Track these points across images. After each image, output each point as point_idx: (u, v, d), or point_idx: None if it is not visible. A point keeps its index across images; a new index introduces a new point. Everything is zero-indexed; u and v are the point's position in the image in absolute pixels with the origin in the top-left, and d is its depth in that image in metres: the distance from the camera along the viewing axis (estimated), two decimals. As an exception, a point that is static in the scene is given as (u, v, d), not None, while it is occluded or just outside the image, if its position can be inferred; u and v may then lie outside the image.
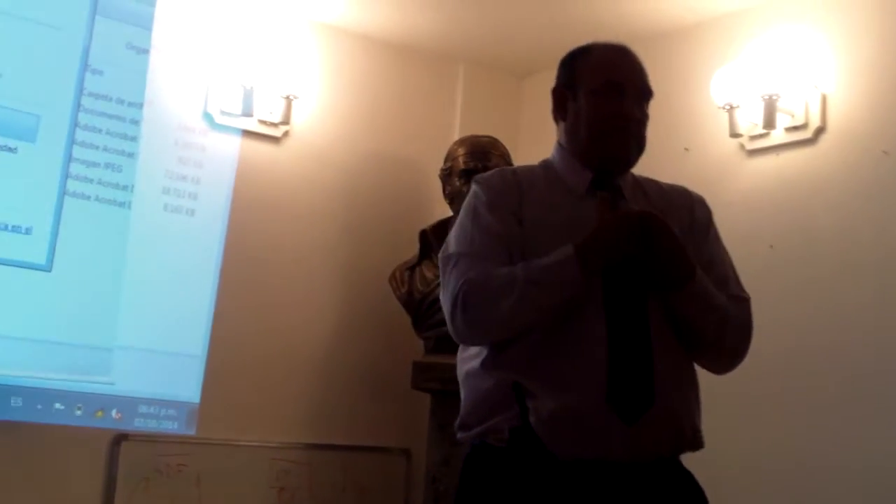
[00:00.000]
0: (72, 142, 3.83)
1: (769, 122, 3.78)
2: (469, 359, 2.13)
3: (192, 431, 3.98)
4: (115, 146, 3.94)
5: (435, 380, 3.94)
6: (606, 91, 2.13)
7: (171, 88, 4.13)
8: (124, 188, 3.94)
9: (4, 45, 3.73)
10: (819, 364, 3.58)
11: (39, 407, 3.70)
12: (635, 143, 2.14)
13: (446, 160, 4.23)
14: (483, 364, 2.07)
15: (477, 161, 4.10)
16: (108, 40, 3.96)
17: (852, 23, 3.73)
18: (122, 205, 3.92)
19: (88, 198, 3.86)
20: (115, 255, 3.88)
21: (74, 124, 3.85)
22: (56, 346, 3.72)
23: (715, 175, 3.88)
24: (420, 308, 4.08)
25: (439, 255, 2.15)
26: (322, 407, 4.32)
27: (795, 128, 3.78)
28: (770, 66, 3.79)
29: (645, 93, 2.17)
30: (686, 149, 3.95)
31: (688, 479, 2.08)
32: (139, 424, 3.88)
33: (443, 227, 4.19)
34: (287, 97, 4.32)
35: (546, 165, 2.21)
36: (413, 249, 4.23)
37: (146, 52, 4.05)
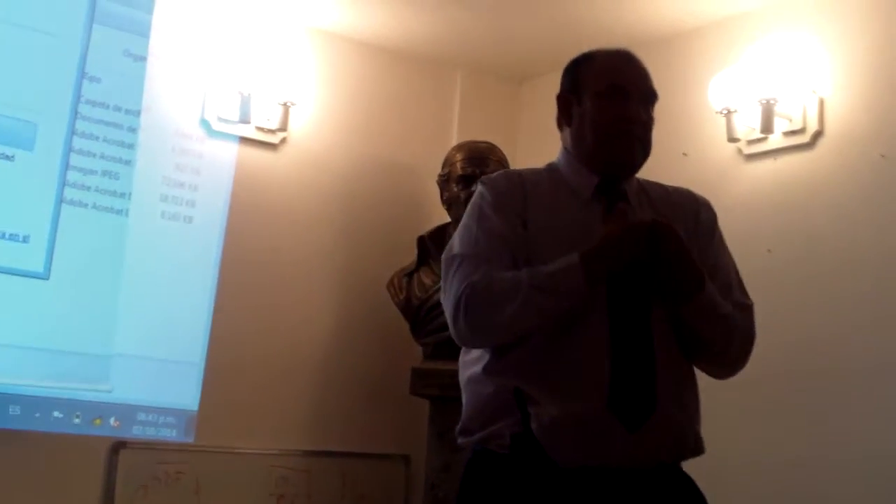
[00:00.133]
0: (69, 149, 3.83)
1: (767, 127, 3.78)
2: (470, 363, 2.12)
3: (190, 439, 3.98)
4: (113, 154, 3.94)
5: (434, 386, 3.94)
6: (611, 94, 2.12)
7: (169, 95, 4.13)
8: (122, 196, 3.93)
9: (2, 52, 3.73)
10: (818, 367, 3.58)
11: (38, 415, 3.69)
12: (640, 147, 2.14)
13: (444, 166, 4.23)
14: (485, 369, 2.06)
15: (475, 167, 4.09)
16: (105, 48, 3.96)
17: (849, 27, 3.73)
18: (119, 212, 3.92)
19: (86, 205, 3.86)
20: (113, 262, 3.87)
21: (72, 132, 3.85)
22: (54, 354, 3.72)
23: (713, 180, 3.87)
24: (418, 314, 4.07)
25: (443, 255, 2.14)
26: (320, 414, 4.32)
27: (793, 132, 3.79)
28: (767, 70, 3.79)
29: (650, 96, 2.16)
30: (684, 154, 3.95)
31: (689, 485, 2.07)
32: (138, 432, 3.88)
33: (441, 233, 4.20)
34: (284, 104, 4.32)
35: (552, 169, 2.21)
36: (411, 255, 4.23)
37: (143, 59, 4.05)
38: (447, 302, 2.08)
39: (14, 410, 3.66)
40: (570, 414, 1.95)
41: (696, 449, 2.08)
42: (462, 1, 4.19)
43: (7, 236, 3.68)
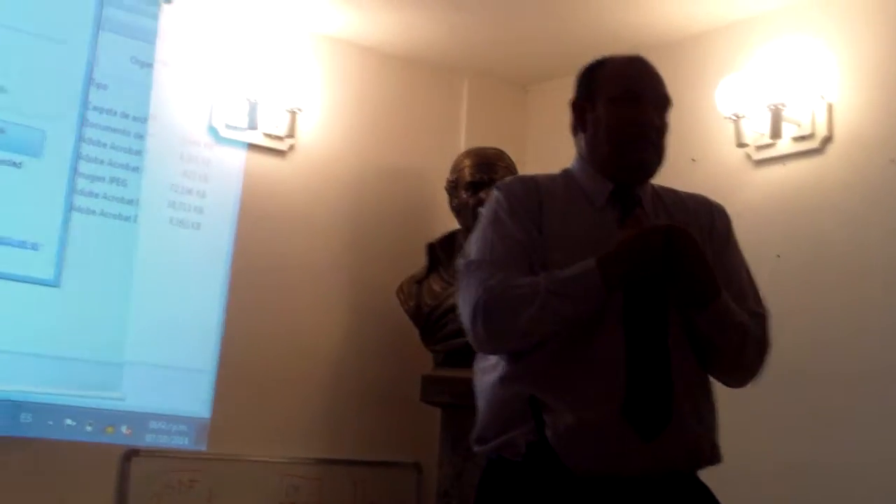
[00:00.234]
0: (77, 156, 3.84)
1: (776, 132, 3.79)
2: (486, 371, 2.12)
3: (202, 447, 3.98)
4: (121, 160, 3.95)
5: (445, 393, 3.93)
6: (625, 99, 2.13)
7: (176, 102, 4.13)
8: (130, 202, 3.94)
9: (9, 60, 3.73)
10: (828, 373, 3.58)
11: (50, 423, 3.70)
12: (655, 152, 2.14)
13: (452, 172, 4.23)
14: (500, 376, 2.06)
15: (483, 173, 4.10)
16: (113, 55, 3.97)
17: (858, 32, 3.74)
18: (128, 219, 3.92)
19: (95, 212, 3.86)
20: (123, 269, 3.88)
21: (80, 139, 3.86)
22: (65, 362, 3.72)
23: (722, 185, 3.88)
24: (428, 321, 4.07)
25: (458, 261, 2.15)
26: (332, 421, 4.31)
27: (802, 137, 3.79)
28: (776, 75, 3.80)
29: (664, 101, 2.16)
30: (693, 159, 3.96)
31: (705, 493, 2.07)
32: (150, 440, 3.88)
33: (450, 239, 4.20)
34: (292, 110, 4.32)
35: (567, 175, 2.21)
36: (419, 262, 4.22)
37: (150, 66, 4.05)
38: (464, 307, 2.07)
39: (26, 418, 3.66)
40: (585, 422, 1.95)
41: (713, 458, 2.07)
42: (469, 6, 4.19)
43: (17, 244, 3.68)
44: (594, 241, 2.01)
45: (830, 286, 3.64)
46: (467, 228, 4.10)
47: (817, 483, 3.51)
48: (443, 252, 4.17)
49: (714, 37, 4.17)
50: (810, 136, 3.77)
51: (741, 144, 3.91)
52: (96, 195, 3.86)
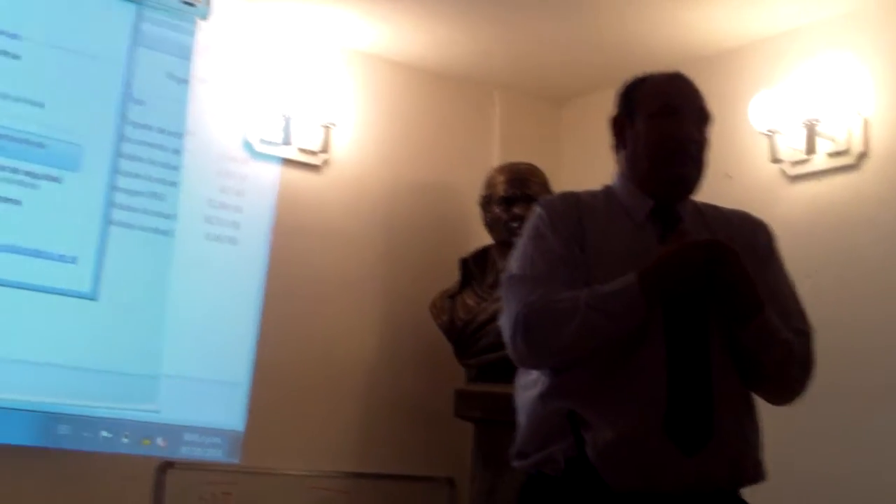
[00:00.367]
0: (115, 171, 3.87)
1: (810, 148, 3.78)
2: (527, 386, 2.12)
3: (236, 459, 3.98)
4: (158, 175, 3.97)
5: (477, 408, 3.93)
6: (664, 114, 2.13)
7: (212, 118, 4.16)
8: (167, 217, 3.96)
9: (47, 76, 3.77)
10: (864, 394, 3.55)
11: (86, 435, 3.72)
12: (694, 166, 2.14)
13: (485, 187, 4.24)
14: (540, 392, 2.07)
15: (516, 188, 4.11)
16: (150, 71, 4.00)
17: (893, 48, 3.72)
18: (165, 233, 3.95)
19: (132, 226, 3.89)
20: (159, 283, 3.90)
21: (117, 154, 3.89)
22: (102, 375, 3.74)
23: (756, 201, 3.83)
24: (462, 336, 4.07)
25: (502, 276, 2.16)
26: (365, 435, 4.32)
27: (837, 153, 3.78)
28: (810, 91, 3.79)
29: (703, 116, 2.17)
30: (728, 175, 3.95)
31: None
32: (185, 452, 3.89)
33: (483, 254, 4.21)
34: (326, 125, 4.35)
35: (608, 192, 2.22)
36: (452, 276, 4.23)
37: (186, 82, 4.08)
38: (505, 322, 2.09)
39: (63, 430, 3.68)
40: (625, 437, 1.95)
41: (756, 475, 2.06)
42: (503, 21, 4.21)
43: (55, 257, 3.71)
44: (635, 258, 2.01)
45: (866, 302, 3.62)
46: (500, 243, 4.12)
47: (861, 498, 3.47)
48: (476, 267, 4.18)
49: (748, 52, 4.16)
50: (846, 152, 3.75)
51: (776, 160, 3.90)
52: (134, 209, 3.89)
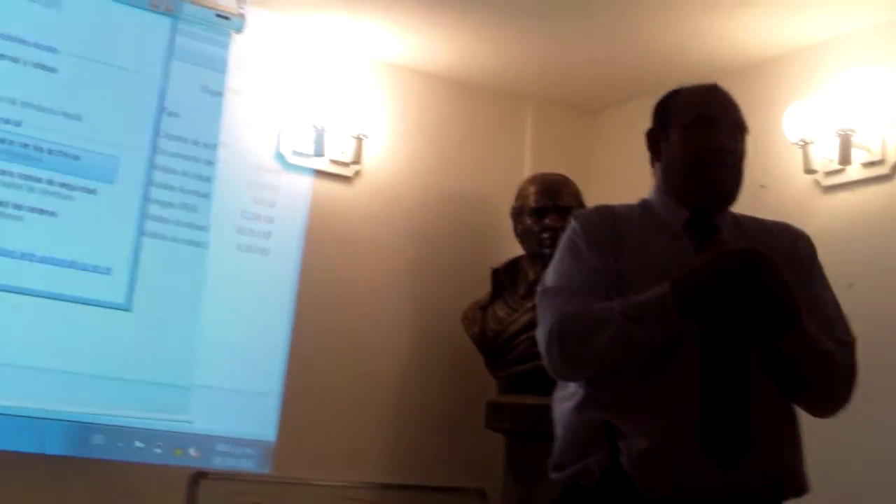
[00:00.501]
0: (149, 183, 3.92)
1: (845, 158, 3.74)
2: (564, 398, 2.12)
3: (268, 470, 4.01)
4: (191, 187, 4.02)
5: (508, 420, 3.93)
6: (698, 125, 2.12)
7: (245, 130, 4.20)
8: (200, 228, 4.00)
9: (84, 89, 3.83)
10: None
11: (120, 445, 3.75)
12: (730, 176, 2.12)
13: (517, 198, 4.24)
14: (576, 403, 2.07)
15: (548, 199, 4.10)
16: (184, 83, 4.05)
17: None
18: (198, 244, 3.99)
19: (165, 238, 3.93)
20: (192, 294, 3.94)
21: (151, 165, 3.94)
22: (136, 385, 3.78)
23: (790, 212, 3.79)
24: (493, 347, 4.06)
25: (537, 289, 2.16)
26: (396, 446, 4.33)
27: (872, 163, 3.73)
28: (844, 101, 3.75)
29: (738, 127, 2.15)
30: (762, 186, 3.92)
31: None
32: (217, 462, 3.92)
33: (514, 265, 4.20)
34: (358, 137, 4.37)
35: (644, 205, 2.21)
36: (484, 287, 4.23)
37: (220, 94, 4.13)
38: (540, 334, 2.09)
39: (97, 440, 3.72)
40: (659, 448, 1.93)
41: (797, 489, 2.03)
42: (534, 32, 4.20)
43: (90, 268, 3.76)
44: (671, 269, 2.00)
45: (902, 313, 3.58)
46: (531, 254, 4.11)
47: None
48: (507, 278, 4.17)
49: (782, 62, 4.13)
50: (880, 162, 3.71)
51: (810, 171, 3.87)
52: (167, 221, 3.94)
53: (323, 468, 4.11)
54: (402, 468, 4.30)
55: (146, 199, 3.90)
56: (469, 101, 4.77)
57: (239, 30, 4.17)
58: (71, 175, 3.76)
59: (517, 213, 4.21)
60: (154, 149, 3.94)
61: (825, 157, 3.84)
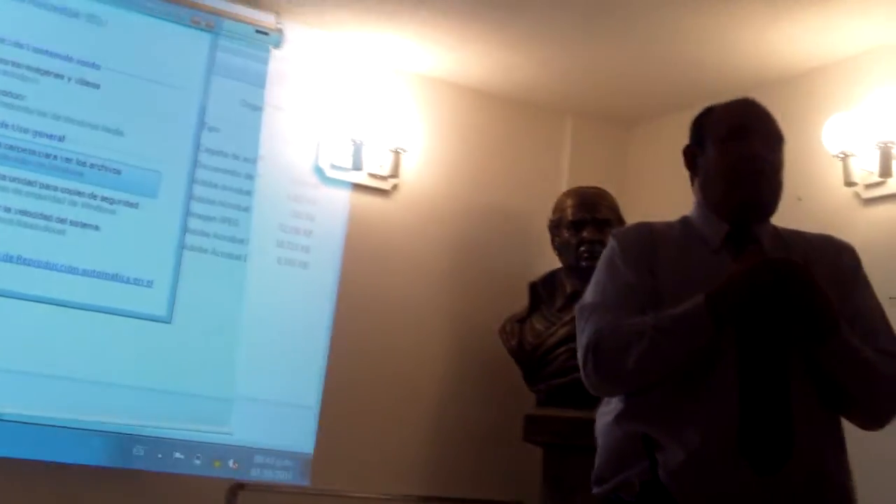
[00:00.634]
0: (190, 197, 3.96)
1: (885, 170, 3.71)
2: (606, 413, 2.13)
3: (306, 482, 4.02)
4: (231, 201, 4.06)
5: (546, 433, 3.92)
6: (733, 137, 2.13)
7: (284, 144, 4.23)
8: (240, 241, 4.04)
9: (126, 105, 3.89)
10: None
11: (160, 456, 3.79)
12: (768, 185, 2.11)
13: (555, 211, 4.24)
14: (615, 416, 2.07)
15: (585, 212, 4.10)
16: (224, 98, 4.10)
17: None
18: (238, 258, 4.02)
19: (206, 251, 3.97)
20: (232, 307, 3.97)
21: (192, 180, 3.98)
22: (176, 396, 3.82)
23: (829, 224, 3.75)
24: (531, 360, 4.06)
25: (576, 306, 2.17)
26: (433, 459, 4.33)
27: (913, 175, 3.71)
28: (884, 113, 3.72)
29: (774, 136, 2.15)
30: (799, 198, 3.89)
31: None
32: (255, 474, 3.94)
33: (552, 278, 4.20)
34: (396, 150, 4.39)
35: (684, 222, 2.22)
36: (521, 301, 4.23)
37: (260, 109, 4.17)
38: (579, 351, 2.10)
39: (138, 451, 3.76)
40: (696, 459, 1.93)
41: (842, 501, 2.00)
42: (571, 46, 4.21)
43: (132, 281, 3.80)
44: (709, 284, 1.99)
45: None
46: (569, 267, 4.11)
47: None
48: (545, 291, 4.17)
49: (821, 75, 4.10)
50: (922, 175, 3.68)
51: (849, 183, 3.83)
52: (208, 234, 3.98)
53: (360, 480, 4.14)
54: (439, 481, 4.30)
55: (187, 213, 3.94)
56: (506, 114, 4.78)
57: (278, 45, 4.21)
58: (113, 189, 3.81)
59: (555, 226, 4.21)
60: (195, 163, 3.99)
61: (865, 169, 3.81)
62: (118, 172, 3.83)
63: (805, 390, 1.98)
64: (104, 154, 3.81)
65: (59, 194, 3.73)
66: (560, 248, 4.17)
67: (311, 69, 4.32)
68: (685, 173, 2.27)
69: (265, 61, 4.19)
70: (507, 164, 4.74)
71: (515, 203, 4.71)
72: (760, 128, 2.14)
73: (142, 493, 3.78)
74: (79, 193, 3.75)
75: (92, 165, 3.79)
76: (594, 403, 2.21)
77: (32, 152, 3.70)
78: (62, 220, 3.72)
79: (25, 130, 3.70)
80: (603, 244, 3.74)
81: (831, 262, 2.13)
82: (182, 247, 3.92)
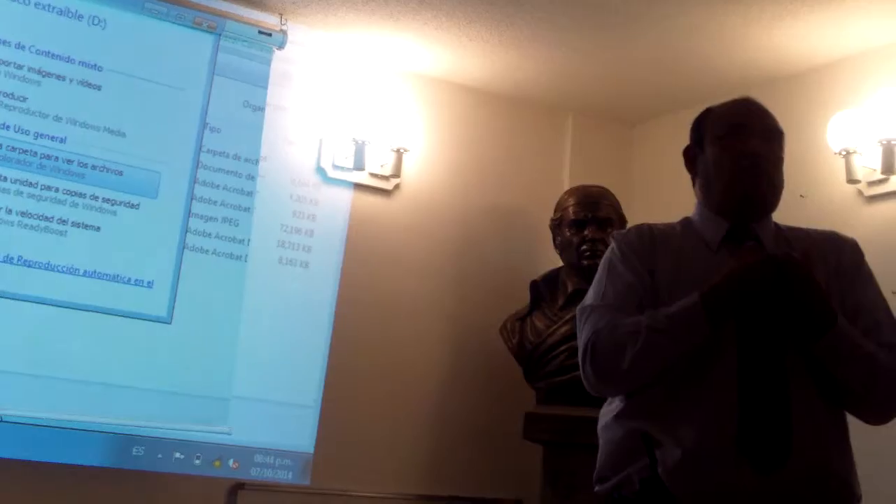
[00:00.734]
0: (191, 197, 3.96)
1: (888, 168, 3.70)
2: (608, 412, 2.14)
3: (306, 481, 4.02)
4: (233, 201, 4.06)
5: (546, 430, 3.91)
6: (730, 134, 2.13)
7: (286, 144, 4.24)
8: (241, 242, 4.04)
9: (127, 105, 3.89)
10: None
11: (160, 456, 3.79)
12: (767, 181, 2.11)
13: (556, 210, 4.23)
14: (616, 415, 2.08)
15: (587, 211, 4.09)
16: (226, 99, 4.10)
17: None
18: (239, 258, 4.02)
19: (207, 252, 3.97)
20: (233, 307, 3.97)
21: (193, 180, 3.98)
22: (176, 397, 3.82)
23: (832, 221, 3.74)
24: (531, 358, 4.05)
25: (577, 308, 2.18)
26: (434, 457, 4.33)
27: (916, 172, 3.69)
28: (887, 110, 3.71)
29: (772, 133, 2.15)
30: (802, 195, 3.88)
31: None
32: (255, 474, 3.94)
33: (553, 277, 4.19)
34: (397, 150, 4.39)
35: (685, 222, 2.23)
36: (523, 299, 4.22)
37: (261, 109, 4.17)
38: (578, 352, 2.11)
39: (138, 451, 3.76)
40: (693, 456, 1.93)
41: (845, 498, 1.99)
42: (573, 45, 4.20)
43: (133, 282, 3.80)
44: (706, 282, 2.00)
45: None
46: (571, 266, 4.10)
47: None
48: (546, 289, 4.16)
49: (823, 73, 4.09)
50: (924, 172, 3.67)
51: (852, 180, 3.82)
52: (209, 235, 3.98)
53: (361, 479, 4.14)
54: (439, 479, 4.30)
55: (188, 214, 3.94)
56: (508, 113, 4.78)
57: (281, 46, 4.21)
58: (114, 190, 3.82)
59: (556, 225, 4.20)
60: (196, 164, 3.99)
61: (868, 166, 3.80)
62: (120, 173, 3.83)
63: (805, 387, 1.98)
64: (106, 155, 3.81)
65: (61, 195, 3.73)
66: (561, 246, 4.17)
67: (312, 69, 4.32)
68: (687, 172, 2.27)
69: (267, 62, 4.19)
70: (508, 163, 4.73)
71: (517, 202, 4.70)
72: (759, 125, 2.14)
73: (142, 493, 3.78)
74: (80, 195, 3.76)
75: (93, 167, 3.79)
76: (594, 401, 2.22)
77: (34, 154, 3.70)
78: (63, 222, 3.72)
79: (27, 132, 3.71)
80: (605, 243, 3.77)
81: (833, 257, 2.13)
82: (183, 247, 3.92)
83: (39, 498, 3.62)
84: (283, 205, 4.19)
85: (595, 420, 2.18)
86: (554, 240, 4.23)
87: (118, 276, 3.79)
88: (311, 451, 4.05)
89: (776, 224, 2.19)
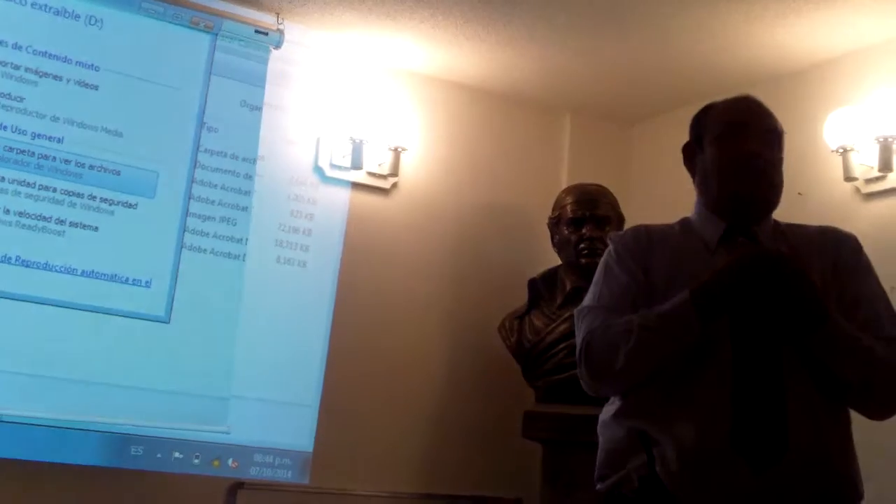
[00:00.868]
0: (188, 197, 3.96)
1: (885, 165, 3.70)
2: (607, 411, 2.14)
3: (305, 480, 4.02)
4: (230, 200, 4.05)
5: (545, 429, 3.91)
6: (730, 134, 2.13)
7: (283, 143, 4.23)
8: (239, 241, 4.04)
9: (125, 105, 3.89)
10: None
11: (159, 455, 3.79)
12: (766, 183, 2.11)
13: (554, 209, 4.23)
14: (614, 414, 2.09)
15: (585, 209, 4.09)
16: (223, 98, 4.10)
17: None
18: (236, 257, 4.02)
19: (204, 251, 3.97)
20: (231, 306, 3.96)
21: (191, 180, 3.98)
22: (175, 396, 3.81)
23: (830, 219, 3.72)
24: (530, 356, 4.05)
25: (575, 310, 2.19)
26: (433, 456, 4.32)
27: (913, 170, 3.69)
28: (884, 108, 3.71)
29: (772, 133, 2.14)
30: (799, 193, 3.88)
31: None
32: (255, 473, 3.94)
33: (552, 275, 4.19)
34: (395, 149, 4.39)
35: (684, 222, 2.22)
36: (521, 298, 4.22)
37: (259, 108, 4.17)
38: (576, 352, 2.12)
39: (136, 451, 3.76)
40: (690, 454, 1.94)
41: (845, 495, 1.99)
42: (570, 43, 4.20)
43: (131, 281, 3.80)
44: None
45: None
46: (569, 264, 4.10)
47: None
48: (544, 288, 4.16)
49: (821, 71, 4.09)
50: (922, 169, 3.67)
51: (849, 178, 3.82)
52: (206, 234, 3.98)
53: (360, 478, 4.14)
54: (438, 478, 4.30)
55: (186, 213, 3.94)
56: (506, 112, 4.78)
57: (278, 45, 4.21)
58: (112, 190, 3.81)
59: (554, 224, 4.20)
60: (194, 163, 3.99)
61: (865, 164, 3.80)
62: (117, 173, 3.83)
63: (802, 383, 1.98)
64: (103, 155, 3.81)
65: (59, 195, 3.73)
66: (560, 245, 4.17)
67: (310, 69, 4.32)
68: (686, 170, 2.27)
69: (264, 61, 4.19)
70: (506, 162, 4.73)
71: (515, 200, 4.70)
72: (758, 125, 2.14)
73: (141, 493, 3.77)
74: (78, 195, 3.76)
75: (91, 167, 3.79)
76: (593, 400, 2.22)
77: (32, 154, 3.70)
78: (61, 221, 3.72)
79: (24, 132, 3.70)
80: (603, 241, 3.77)
81: (831, 253, 2.13)
82: (181, 247, 3.92)
83: (38, 498, 3.61)
84: (280, 204, 4.19)
85: (594, 418, 2.19)
86: (552, 238, 4.23)
87: (116, 275, 3.78)
88: (311, 449, 4.05)
89: (775, 221, 2.18)
